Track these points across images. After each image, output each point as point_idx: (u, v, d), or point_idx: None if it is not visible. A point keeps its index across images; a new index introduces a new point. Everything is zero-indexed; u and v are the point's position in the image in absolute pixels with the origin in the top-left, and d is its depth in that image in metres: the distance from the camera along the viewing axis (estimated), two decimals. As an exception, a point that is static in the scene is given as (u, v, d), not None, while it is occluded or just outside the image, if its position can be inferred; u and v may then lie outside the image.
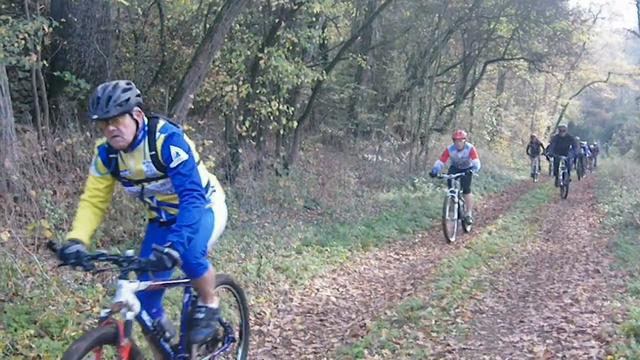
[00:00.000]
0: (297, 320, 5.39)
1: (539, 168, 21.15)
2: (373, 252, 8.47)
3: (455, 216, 9.38)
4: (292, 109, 10.93)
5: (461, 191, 9.66)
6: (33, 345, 3.77)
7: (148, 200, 3.27)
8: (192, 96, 7.89)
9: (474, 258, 7.69)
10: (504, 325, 5.09)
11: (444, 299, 5.71)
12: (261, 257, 6.75)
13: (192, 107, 9.03)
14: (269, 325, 5.20)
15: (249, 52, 9.94)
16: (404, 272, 7.48)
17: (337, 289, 6.57)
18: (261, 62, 9.90)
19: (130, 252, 2.86)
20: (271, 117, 10.38)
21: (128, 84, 3.02)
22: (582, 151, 21.42)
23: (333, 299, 6.15)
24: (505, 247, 8.62)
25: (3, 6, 7.86)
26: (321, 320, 5.46)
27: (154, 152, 3.08)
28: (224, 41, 8.93)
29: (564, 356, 4.24)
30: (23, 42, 5.69)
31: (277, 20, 10.37)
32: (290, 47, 10.79)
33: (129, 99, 2.95)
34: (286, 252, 7.38)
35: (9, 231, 4.95)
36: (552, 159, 16.13)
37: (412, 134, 18.52)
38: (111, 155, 3.14)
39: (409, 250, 8.78)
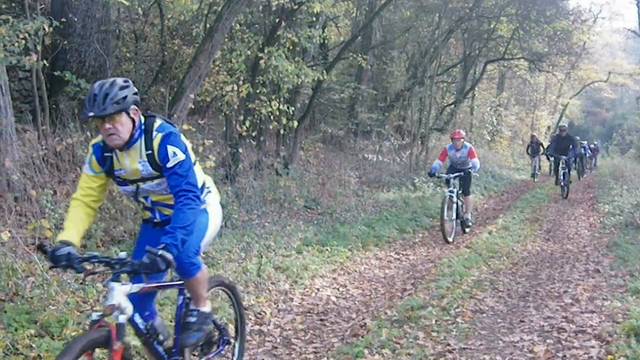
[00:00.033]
0: (297, 320, 5.38)
1: (539, 168, 21.16)
2: (373, 252, 8.47)
3: (454, 216, 9.31)
4: (293, 108, 10.93)
5: (460, 191, 9.59)
6: (33, 345, 3.77)
7: (142, 200, 3.23)
8: (192, 96, 7.89)
9: (474, 258, 7.69)
10: (505, 325, 5.09)
11: (444, 299, 5.71)
12: (261, 256, 6.76)
13: (193, 106, 9.03)
14: (269, 325, 5.20)
15: (249, 52, 9.94)
16: (404, 271, 7.48)
17: (338, 289, 6.57)
18: (261, 61, 9.90)
19: (123, 254, 2.83)
20: (271, 117, 10.38)
21: (125, 81, 2.98)
22: (583, 151, 21.42)
23: (333, 299, 6.15)
24: (506, 247, 8.62)
25: (3, 6, 7.86)
26: (321, 320, 5.46)
27: (150, 152, 3.04)
28: (224, 41, 8.93)
29: (565, 356, 4.24)
30: (23, 41, 5.69)
31: (277, 20, 10.37)
32: (291, 47, 10.78)
33: (126, 96, 2.91)
34: (286, 252, 7.39)
35: (10, 231, 4.96)
36: (552, 158, 16.12)
37: (412, 133, 18.52)
38: (106, 154, 3.10)
39: (409, 250, 8.78)
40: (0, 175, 5.67)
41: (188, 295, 3.40)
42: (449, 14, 18.52)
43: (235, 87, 9.31)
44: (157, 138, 3.04)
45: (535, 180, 20.39)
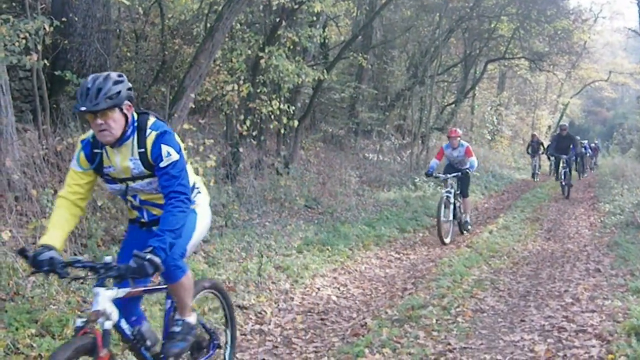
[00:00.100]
0: (298, 319, 5.39)
1: (539, 167, 21.14)
2: (374, 251, 8.47)
3: (451, 217, 9.21)
4: (293, 108, 10.93)
5: (458, 192, 9.53)
6: (34, 345, 3.78)
7: (130, 199, 3.14)
8: (193, 95, 7.89)
9: (474, 257, 7.69)
10: (505, 324, 5.09)
11: (445, 298, 5.71)
12: (262, 256, 6.76)
13: (193, 106, 9.03)
14: (269, 324, 5.20)
15: (249, 52, 9.94)
16: (404, 271, 7.48)
17: (338, 288, 6.57)
18: (262, 61, 9.90)
19: (108, 259, 2.74)
20: (272, 117, 10.38)
21: (120, 75, 2.89)
22: (584, 150, 21.40)
23: (334, 298, 6.15)
24: (506, 246, 8.62)
25: (4, 5, 7.86)
26: (322, 319, 5.46)
27: (143, 150, 2.95)
28: (224, 40, 8.93)
29: (565, 355, 4.24)
30: (24, 41, 5.69)
31: (277, 20, 10.37)
32: (291, 47, 10.78)
33: (120, 92, 2.82)
34: (287, 252, 7.39)
35: (10, 230, 4.96)
36: (552, 158, 16.09)
37: (412, 133, 18.52)
38: (95, 150, 3.00)
39: (410, 249, 8.78)
40: (0, 174, 5.67)
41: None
42: (450, 13, 18.52)
43: (236, 87, 9.31)
44: (151, 136, 2.95)
45: (536, 179, 20.39)
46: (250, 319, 5.26)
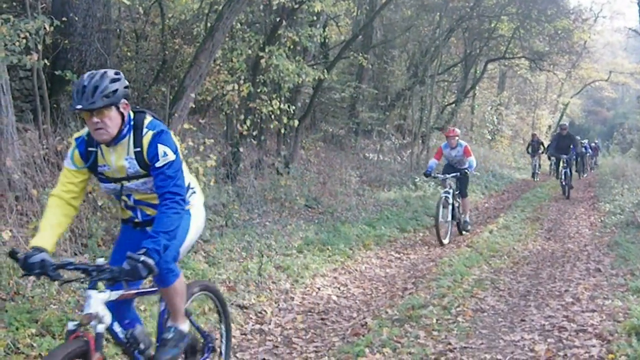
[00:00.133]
0: (298, 319, 5.39)
1: (539, 167, 21.14)
2: (374, 251, 8.47)
3: (449, 217, 9.17)
4: (293, 107, 10.93)
5: (457, 192, 9.50)
6: (34, 344, 3.78)
7: (125, 198, 3.08)
8: (193, 95, 7.89)
9: (475, 257, 7.69)
10: (505, 324, 5.09)
11: (445, 298, 5.71)
12: (262, 256, 6.76)
13: (193, 106, 9.03)
14: (270, 324, 5.20)
15: (250, 51, 9.94)
16: (405, 271, 7.48)
17: (338, 288, 6.57)
18: (262, 61, 9.91)
19: (101, 261, 2.69)
20: (272, 116, 10.38)
21: (117, 73, 2.83)
22: (584, 150, 21.40)
23: (334, 298, 6.15)
24: (507, 246, 8.62)
25: (4, 5, 7.86)
26: (322, 319, 5.46)
27: (139, 149, 2.89)
28: (225, 40, 8.93)
29: (565, 355, 4.24)
30: (24, 41, 5.69)
31: (278, 19, 10.37)
32: (291, 46, 10.78)
33: (116, 90, 2.76)
34: (287, 251, 7.39)
35: (11, 230, 4.96)
36: (553, 158, 16.06)
37: (413, 132, 18.51)
38: (90, 149, 2.94)
39: (410, 249, 8.78)
40: (1, 174, 5.67)
41: None
42: (450, 13, 18.52)
43: (236, 86, 9.31)
44: (147, 135, 2.90)
45: (536, 179, 20.39)
46: (251, 318, 5.26)
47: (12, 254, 2.68)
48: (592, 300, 5.66)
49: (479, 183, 16.96)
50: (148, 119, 2.97)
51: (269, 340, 4.84)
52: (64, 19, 7.13)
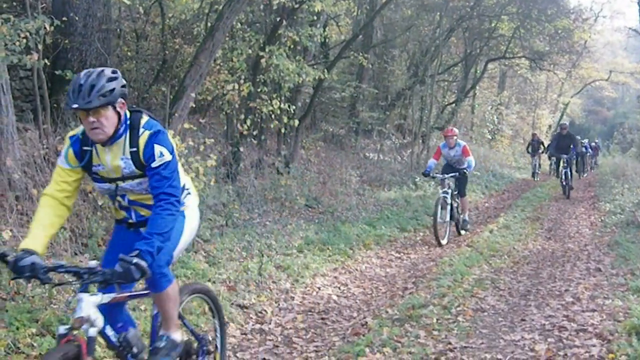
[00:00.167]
0: (298, 318, 5.39)
1: (539, 166, 21.13)
2: (374, 251, 8.47)
3: (447, 218, 9.14)
4: (294, 107, 10.93)
5: (456, 192, 9.49)
6: (35, 344, 3.77)
7: (119, 198, 3.02)
8: (193, 95, 7.89)
9: (475, 256, 7.69)
10: (506, 323, 5.09)
11: (446, 298, 5.71)
12: (262, 255, 6.76)
13: (194, 105, 9.04)
14: (270, 323, 5.20)
15: (250, 51, 9.95)
16: (405, 270, 7.48)
17: (339, 288, 6.58)
18: (262, 60, 9.91)
19: (93, 263, 2.64)
20: (272, 116, 10.38)
21: (114, 72, 2.78)
22: (584, 150, 21.39)
23: (334, 298, 6.15)
24: (507, 246, 8.62)
25: (4, 5, 7.86)
26: (322, 318, 5.47)
27: (135, 149, 2.84)
28: (225, 40, 8.93)
29: (566, 354, 4.24)
30: (24, 40, 5.69)
31: (278, 19, 10.37)
32: (292, 46, 10.78)
33: (113, 89, 2.71)
34: (287, 251, 7.39)
35: (11, 230, 4.96)
36: (553, 158, 16.04)
37: (413, 132, 18.52)
38: (85, 148, 2.88)
39: (411, 249, 8.78)
40: (1, 174, 5.67)
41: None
42: (450, 12, 18.52)
43: (236, 86, 9.31)
44: (144, 135, 2.85)
45: (536, 179, 20.38)
46: (251, 318, 5.26)
47: (2, 257, 2.61)
48: (592, 299, 5.66)
49: (479, 183, 16.97)
50: (145, 118, 2.92)
51: (269, 340, 4.84)
52: (64, 18, 7.13)
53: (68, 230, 5.33)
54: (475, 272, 6.91)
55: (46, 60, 6.50)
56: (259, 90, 10.16)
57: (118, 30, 9.77)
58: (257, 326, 5.11)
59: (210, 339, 3.64)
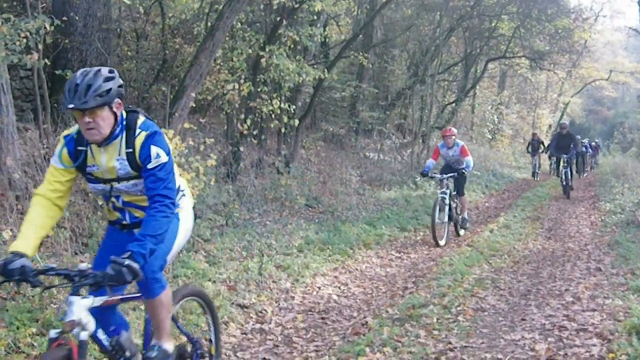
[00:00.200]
0: (298, 318, 5.39)
1: (540, 166, 21.13)
2: (375, 251, 8.47)
3: (446, 219, 9.08)
4: (294, 107, 10.93)
5: (454, 192, 9.47)
6: (35, 344, 3.78)
7: (113, 199, 2.96)
8: (193, 94, 7.89)
9: (475, 256, 7.69)
10: (506, 323, 5.09)
11: (446, 297, 5.71)
12: (262, 255, 6.76)
13: (194, 105, 9.04)
14: (270, 323, 5.21)
15: (250, 51, 9.95)
16: (405, 270, 7.48)
17: (339, 287, 6.58)
18: (262, 60, 9.91)
19: (83, 265, 2.59)
20: (272, 116, 10.39)
21: (111, 71, 2.73)
22: (584, 149, 21.38)
23: (335, 297, 6.15)
24: (507, 245, 8.62)
25: (4, 4, 7.86)
26: (323, 318, 5.47)
27: (131, 150, 2.80)
28: (225, 39, 8.93)
29: (566, 354, 4.24)
30: (25, 40, 5.69)
31: (278, 19, 10.37)
32: (292, 46, 10.78)
33: (110, 89, 2.66)
34: (287, 251, 7.39)
35: (11, 229, 4.96)
36: (553, 157, 16.02)
37: (413, 132, 18.53)
38: (79, 148, 2.83)
39: (411, 249, 8.78)
40: (1, 173, 5.67)
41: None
42: (450, 12, 18.52)
43: (237, 86, 9.31)
44: (140, 136, 2.80)
45: (536, 178, 20.38)
46: (251, 318, 5.26)
47: None
48: (592, 299, 5.66)
49: (479, 182, 16.97)
50: (141, 119, 2.88)
51: (270, 340, 4.84)
52: (64, 18, 7.13)
53: (68, 230, 5.33)
54: (475, 272, 6.91)
55: (46, 60, 6.50)
56: (259, 89, 10.16)
57: (118, 30, 9.77)
58: (257, 326, 5.11)
59: (205, 342, 3.59)
